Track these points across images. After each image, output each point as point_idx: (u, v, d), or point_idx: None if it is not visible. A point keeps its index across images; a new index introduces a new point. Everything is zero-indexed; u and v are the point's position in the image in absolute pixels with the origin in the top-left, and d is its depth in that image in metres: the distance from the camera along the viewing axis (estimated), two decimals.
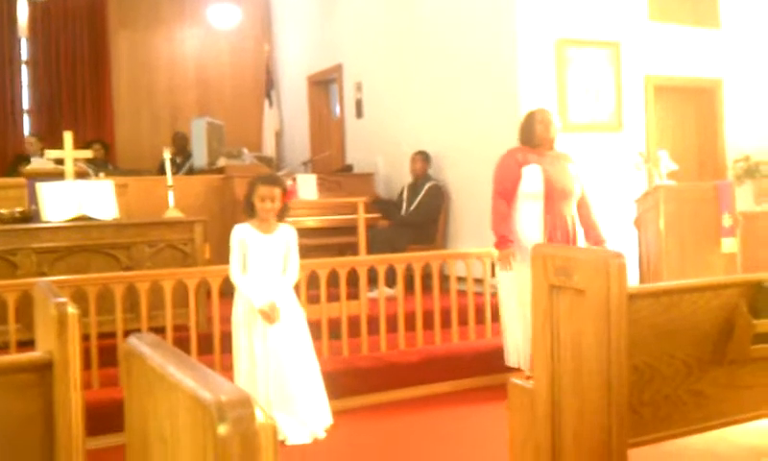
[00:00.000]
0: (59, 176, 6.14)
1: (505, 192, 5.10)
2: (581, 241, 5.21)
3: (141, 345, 1.54)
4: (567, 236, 5.08)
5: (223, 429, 1.06)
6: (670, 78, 7.68)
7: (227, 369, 4.92)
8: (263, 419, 1.10)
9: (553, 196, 5.05)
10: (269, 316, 4.38)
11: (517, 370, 5.09)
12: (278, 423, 4.36)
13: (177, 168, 9.26)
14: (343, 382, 4.95)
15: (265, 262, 4.49)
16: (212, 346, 5.12)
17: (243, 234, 4.50)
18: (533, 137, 5.20)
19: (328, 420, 4.59)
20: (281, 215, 4.57)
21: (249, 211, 4.55)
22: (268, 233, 4.51)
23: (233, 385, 1.15)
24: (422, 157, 8.03)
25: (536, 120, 5.22)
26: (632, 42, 7.43)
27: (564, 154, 5.32)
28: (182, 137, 10.23)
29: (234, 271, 4.50)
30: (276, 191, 4.49)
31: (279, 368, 4.41)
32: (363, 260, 5.79)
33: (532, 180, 5.07)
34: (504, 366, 5.30)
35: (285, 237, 4.57)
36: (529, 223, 5.05)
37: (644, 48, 7.50)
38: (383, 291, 5.67)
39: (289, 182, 5.03)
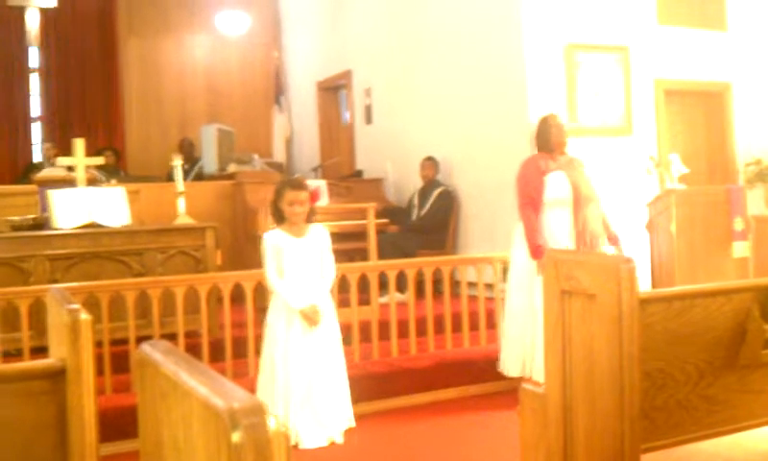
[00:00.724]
0: (70, 183, 6.17)
1: (532, 201, 5.11)
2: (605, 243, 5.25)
3: (154, 352, 1.54)
4: (594, 240, 5.08)
5: (236, 437, 1.06)
6: (680, 82, 7.66)
7: (238, 376, 4.93)
8: (276, 426, 1.10)
9: (579, 201, 5.06)
10: (310, 318, 4.42)
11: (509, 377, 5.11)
12: (298, 425, 4.36)
13: (184, 174, 9.27)
14: (354, 388, 4.94)
15: (301, 266, 4.52)
16: (224, 352, 5.13)
17: (276, 240, 4.51)
18: (549, 142, 5.23)
19: (350, 423, 4.60)
20: (309, 217, 4.60)
21: (277, 217, 4.58)
22: (301, 237, 4.54)
23: (246, 392, 1.15)
24: (431, 163, 8.04)
25: (550, 124, 5.26)
26: (641, 46, 7.41)
27: (576, 158, 5.33)
28: (189, 144, 10.26)
29: (270, 275, 4.50)
30: (304, 194, 4.52)
31: (308, 370, 4.43)
32: (373, 266, 5.79)
33: (558, 186, 5.08)
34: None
35: (318, 238, 4.61)
36: (558, 230, 5.05)
37: (653, 52, 7.49)
38: (394, 296, 5.67)
39: (313, 185, 5.05)
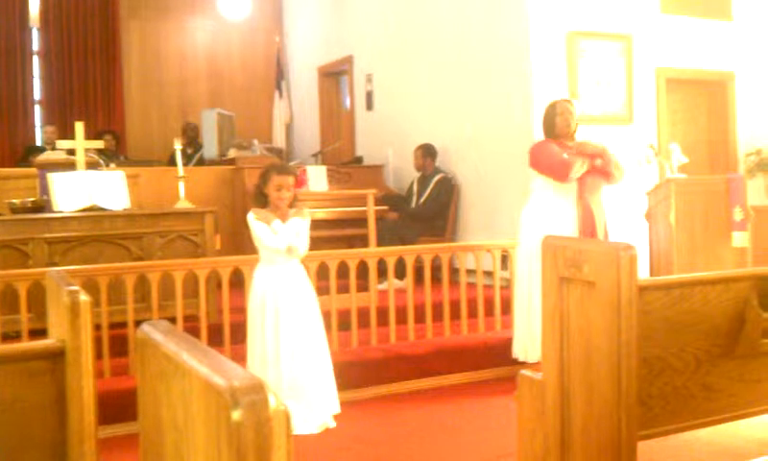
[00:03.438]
0: (70, 166, 6.17)
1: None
2: (612, 230, 5.23)
3: (154, 332, 1.55)
4: (595, 228, 5.07)
5: (236, 415, 1.06)
6: (682, 70, 7.65)
7: (237, 359, 4.93)
8: (276, 404, 1.10)
9: (584, 187, 5.04)
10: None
11: (522, 363, 5.11)
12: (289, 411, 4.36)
13: (187, 159, 9.28)
14: (352, 373, 4.97)
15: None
16: (222, 336, 5.14)
17: (262, 216, 4.50)
18: (553, 129, 5.19)
19: (336, 408, 4.61)
20: (292, 203, 4.59)
21: (261, 201, 4.57)
22: (284, 222, 4.52)
23: (246, 371, 1.15)
24: (423, 152, 8.02)
25: (556, 113, 5.21)
26: (643, 35, 7.40)
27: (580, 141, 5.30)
28: (193, 128, 10.24)
29: (265, 236, 4.46)
30: (291, 180, 4.52)
31: (292, 355, 4.43)
32: (372, 252, 5.79)
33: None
34: (513, 358, 5.33)
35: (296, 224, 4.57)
36: (561, 214, 5.02)
37: (656, 40, 7.47)
38: (393, 283, 5.68)
39: (299, 169, 5.03)
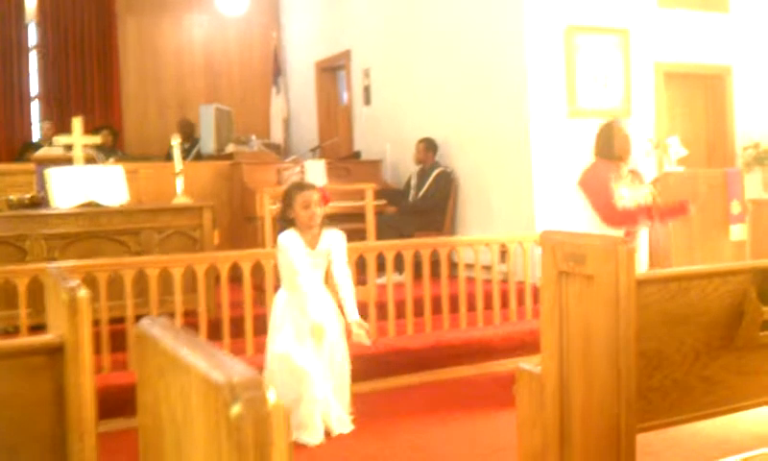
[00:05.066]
0: (67, 162, 6.16)
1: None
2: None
3: (153, 328, 1.55)
4: (665, 254, 4.99)
5: (235, 410, 1.07)
6: (679, 64, 7.65)
7: (236, 354, 4.92)
8: (274, 400, 1.11)
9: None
10: (317, 335, 4.20)
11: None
12: (331, 413, 4.31)
13: (183, 154, 9.26)
14: (351, 367, 4.96)
15: (310, 276, 4.28)
16: (221, 331, 5.14)
17: (296, 241, 4.22)
18: (612, 150, 4.88)
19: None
20: (322, 222, 4.31)
21: (288, 227, 4.26)
22: (314, 249, 4.26)
23: (245, 367, 1.16)
24: (424, 146, 8.01)
25: (614, 133, 4.92)
26: (641, 29, 7.39)
27: (639, 173, 5.07)
28: (188, 124, 10.23)
29: (304, 278, 4.18)
30: (316, 194, 4.23)
31: (329, 359, 4.35)
32: (371, 246, 5.80)
33: (640, 197, 4.84)
34: (512, 351, 5.32)
35: (330, 246, 4.31)
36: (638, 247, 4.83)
37: (653, 35, 7.47)
38: (391, 277, 5.68)
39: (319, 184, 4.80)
